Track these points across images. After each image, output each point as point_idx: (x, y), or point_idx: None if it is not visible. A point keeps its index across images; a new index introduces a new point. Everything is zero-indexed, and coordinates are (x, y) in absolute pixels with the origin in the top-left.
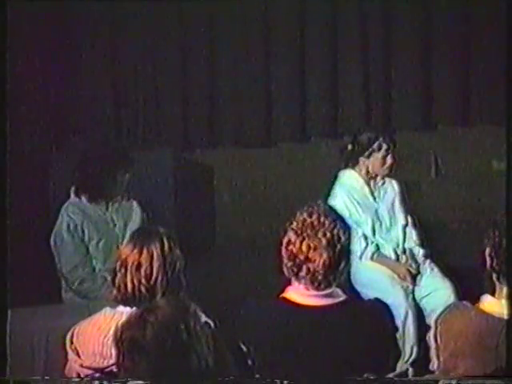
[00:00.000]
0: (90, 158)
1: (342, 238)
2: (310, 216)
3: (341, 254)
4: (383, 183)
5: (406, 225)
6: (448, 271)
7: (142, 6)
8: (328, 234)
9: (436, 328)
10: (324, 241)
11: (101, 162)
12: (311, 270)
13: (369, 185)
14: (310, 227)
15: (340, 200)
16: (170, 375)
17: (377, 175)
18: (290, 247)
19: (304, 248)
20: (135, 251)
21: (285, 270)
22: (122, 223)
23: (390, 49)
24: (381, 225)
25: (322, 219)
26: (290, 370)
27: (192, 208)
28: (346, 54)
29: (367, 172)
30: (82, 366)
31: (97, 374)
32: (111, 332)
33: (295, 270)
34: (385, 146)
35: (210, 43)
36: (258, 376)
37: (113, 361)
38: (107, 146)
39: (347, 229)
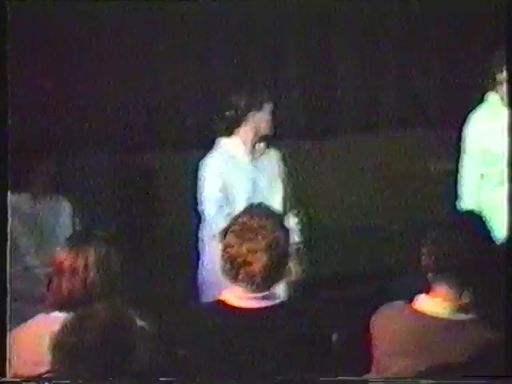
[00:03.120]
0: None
1: (282, 241)
2: (250, 219)
3: (280, 257)
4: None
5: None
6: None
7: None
8: (268, 237)
9: (370, 327)
10: (263, 244)
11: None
12: (250, 272)
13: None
14: (250, 230)
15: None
16: (108, 380)
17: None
18: (229, 250)
19: (243, 251)
20: (71, 255)
21: (224, 272)
22: (52, 221)
23: (331, 50)
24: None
25: (262, 222)
26: (228, 373)
27: (132, 210)
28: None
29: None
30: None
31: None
32: (47, 339)
33: (234, 272)
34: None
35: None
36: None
37: (48, 368)
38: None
39: (287, 232)
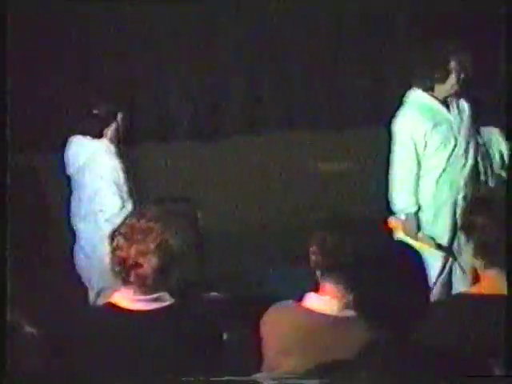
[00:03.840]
0: None
1: (171, 243)
2: (139, 220)
3: (170, 260)
4: None
5: None
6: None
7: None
8: (157, 239)
9: (261, 327)
10: (153, 246)
11: None
12: (140, 275)
13: None
14: (139, 232)
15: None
16: None
17: None
18: (118, 252)
19: (133, 253)
20: None
21: (113, 275)
22: None
23: (217, 51)
24: None
25: (150, 224)
26: (118, 375)
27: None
28: None
29: None
30: None
31: None
32: None
33: (124, 275)
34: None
35: None
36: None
37: None
38: None
39: (177, 233)
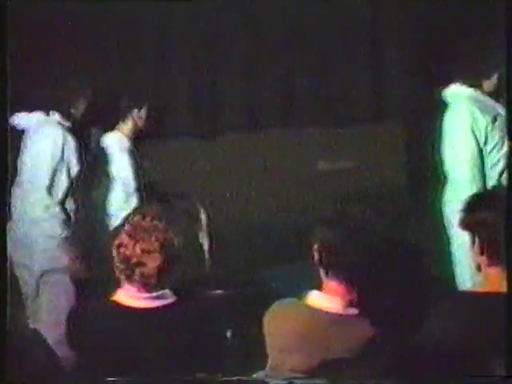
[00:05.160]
0: None
1: (175, 242)
2: (143, 218)
3: (174, 257)
4: None
5: None
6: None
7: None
8: (161, 237)
9: (265, 325)
10: (157, 244)
11: None
12: (144, 273)
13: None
14: (143, 230)
15: None
16: None
17: None
18: (122, 250)
19: (137, 251)
20: None
21: (117, 272)
22: None
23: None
24: None
25: (155, 222)
26: (121, 372)
27: None
28: None
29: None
30: None
31: None
32: None
33: (128, 272)
34: None
35: None
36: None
37: None
38: None
39: (180, 232)
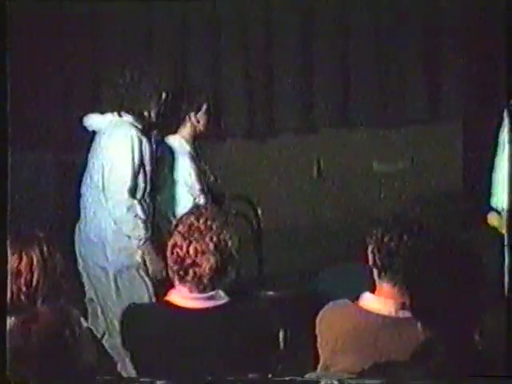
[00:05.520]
0: None
1: (229, 243)
2: (198, 219)
3: (228, 259)
4: None
5: None
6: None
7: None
8: (215, 238)
9: (317, 326)
10: (211, 245)
11: None
12: (198, 274)
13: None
14: (198, 231)
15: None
16: (57, 381)
17: None
18: (176, 250)
19: (191, 252)
20: (14, 258)
21: (170, 273)
22: None
23: (272, 50)
24: None
25: (209, 223)
26: (173, 373)
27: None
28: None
29: None
30: None
31: None
32: None
33: (182, 273)
34: None
35: None
36: (147, 380)
37: None
38: None
39: (234, 233)
